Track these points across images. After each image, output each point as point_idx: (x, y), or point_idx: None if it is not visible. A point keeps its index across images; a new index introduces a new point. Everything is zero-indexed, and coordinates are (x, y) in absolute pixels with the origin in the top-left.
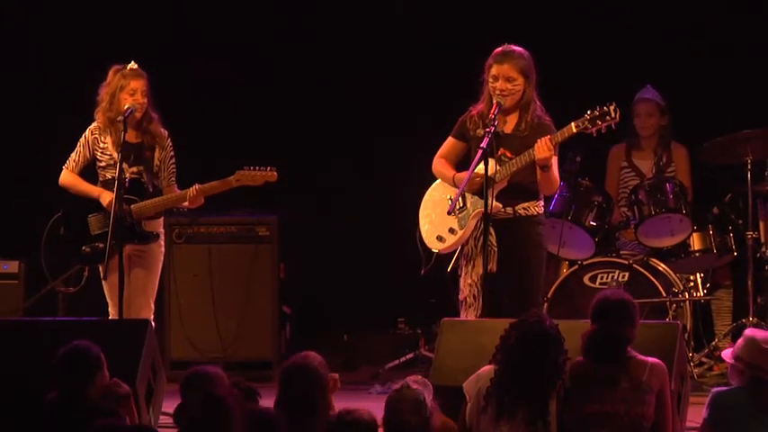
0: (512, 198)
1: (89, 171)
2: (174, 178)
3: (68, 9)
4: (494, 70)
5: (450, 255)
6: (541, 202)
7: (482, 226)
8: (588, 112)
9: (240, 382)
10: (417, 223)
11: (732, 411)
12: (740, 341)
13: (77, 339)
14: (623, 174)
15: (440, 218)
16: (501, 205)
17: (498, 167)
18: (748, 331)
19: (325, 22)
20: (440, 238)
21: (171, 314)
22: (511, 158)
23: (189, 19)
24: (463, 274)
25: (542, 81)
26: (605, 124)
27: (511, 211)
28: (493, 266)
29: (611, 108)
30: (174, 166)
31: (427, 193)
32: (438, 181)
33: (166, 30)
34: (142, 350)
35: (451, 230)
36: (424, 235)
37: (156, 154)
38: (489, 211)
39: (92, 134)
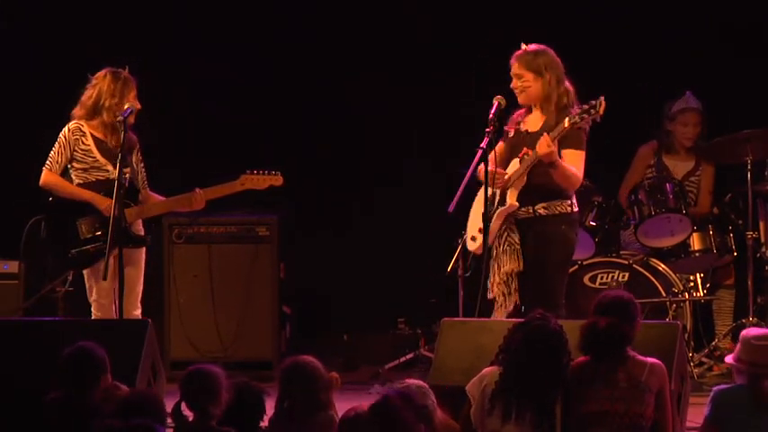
0: (531, 197)
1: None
2: (146, 182)
3: (68, 9)
4: (511, 70)
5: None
6: (568, 201)
7: (504, 225)
8: (580, 108)
9: (241, 382)
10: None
11: (733, 409)
12: (738, 344)
13: (78, 339)
14: (648, 173)
15: (475, 218)
16: (518, 204)
17: (518, 166)
18: (743, 332)
19: (325, 22)
20: (473, 239)
21: (171, 314)
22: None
23: (189, 19)
24: (491, 274)
25: None
26: (591, 118)
27: (531, 211)
28: (520, 265)
29: (597, 102)
30: (144, 170)
31: (477, 197)
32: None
33: (166, 30)
34: (142, 350)
35: (481, 230)
36: (467, 237)
37: (134, 158)
38: (503, 210)
39: (72, 135)
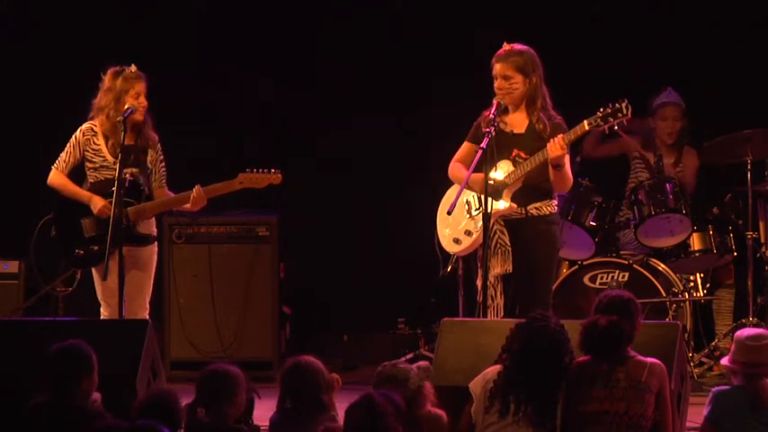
0: (524, 198)
1: (77, 172)
2: (164, 181)
3: (68, 9)
4: (493, 70)
5: (472, 256)
6: (555, 202)
7: (495, 227)
8: (600, 110)
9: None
10: (436, 228)
11: (732, 410)
12: (732, 345)
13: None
14: (634, 164)
15: (456, 221)
16: (516, 206)
17: (513, 168)
18: (737, 333)
19: (323, 21)
20: (456, 241)
21: (171, 314)
22: (525, 159)
23: (189, 19)
24: (479, 275)
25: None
26: (617, 121)
27: (523, 212)
28: (509, 267)
29: (623, 105)
30: (164, 169)
31: (444, 197)
32: (454, 185)
33: (166, 30)
34: (142, 350)
35: (468, 233)
36: (441, 239)
37: (149, 156)
38: (500, 211)
39: (83, 135)
